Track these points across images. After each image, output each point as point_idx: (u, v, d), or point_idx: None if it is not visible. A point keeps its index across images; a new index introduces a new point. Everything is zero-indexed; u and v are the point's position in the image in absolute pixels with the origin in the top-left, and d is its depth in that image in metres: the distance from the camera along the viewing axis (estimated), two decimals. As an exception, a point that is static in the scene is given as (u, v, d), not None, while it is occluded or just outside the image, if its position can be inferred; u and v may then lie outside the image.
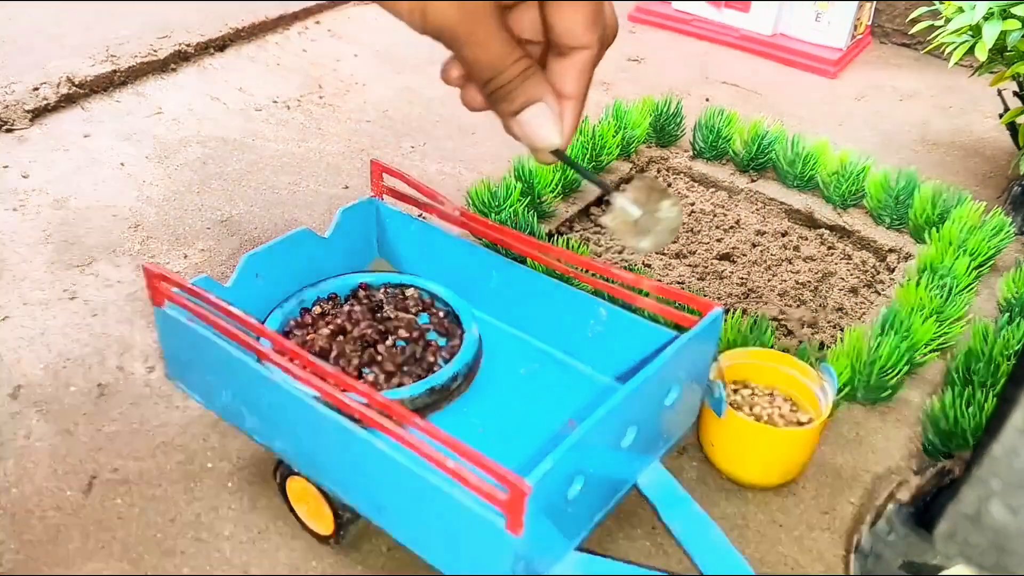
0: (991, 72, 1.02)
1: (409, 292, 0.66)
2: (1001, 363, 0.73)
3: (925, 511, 0.58)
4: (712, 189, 1.06)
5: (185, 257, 0.89)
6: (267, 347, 0.51)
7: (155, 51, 1.25)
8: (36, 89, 1.13)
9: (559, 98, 0.41)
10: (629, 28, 1.59)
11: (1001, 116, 1.03)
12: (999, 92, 1.03)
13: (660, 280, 0.89)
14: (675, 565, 0.60)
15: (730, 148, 1.07)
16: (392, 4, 0.37)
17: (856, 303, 0.88)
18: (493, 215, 0.90)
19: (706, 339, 0.55)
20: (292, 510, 0.61)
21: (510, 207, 0.90)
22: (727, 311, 0.82)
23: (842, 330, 0.81)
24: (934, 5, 1.05)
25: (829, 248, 0.97)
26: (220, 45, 1.32)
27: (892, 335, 0.74)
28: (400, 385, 0.58)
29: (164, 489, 0.64)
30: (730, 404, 0.63)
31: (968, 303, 0.82)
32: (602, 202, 1.02)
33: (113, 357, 0.75)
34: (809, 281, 0.90)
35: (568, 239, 0.91)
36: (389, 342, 0.61)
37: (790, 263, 0.93)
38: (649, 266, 0.91)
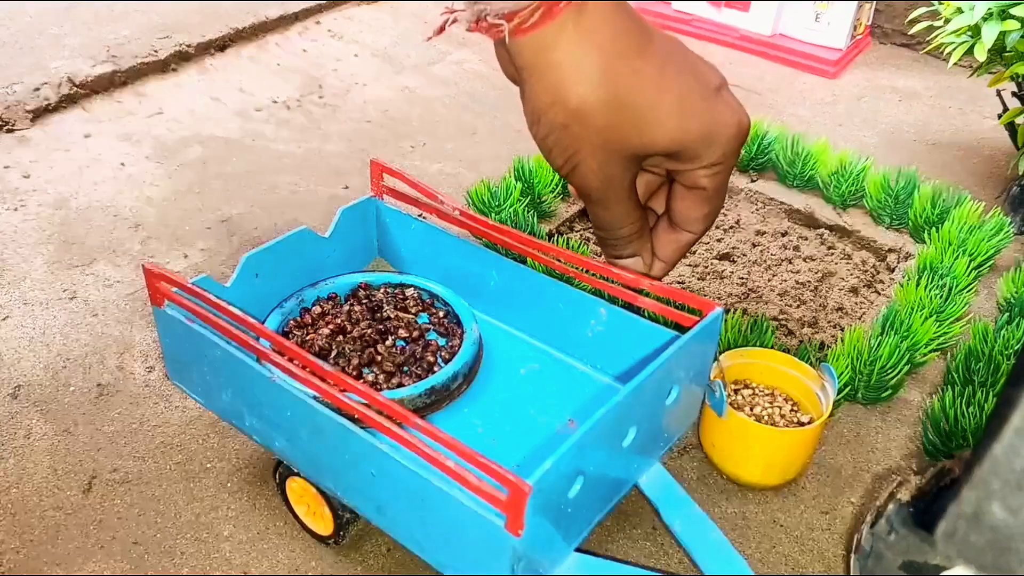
0: (990, 72, 1.02)
1: (409, 292, 0.66)
2: (1001, 363, 0.73)
3: (925, 511, 0.58)
4: (712, 189, 1.06)
5: (185, 257, 0.89)
6: (267, 347, 0.51)
7: (156, 51, 1.25)
8: (37, 89, 1.13)
9: (654, 257, 0.51)
10: (629, 28, 1.59)
11: (1000, 116, 1.03)
12: (998, 92, 1.03)
13: (660, 280, 0.89)
14: (675, 565, 0.60)
15: (730, 148, 1.07)
16: (549, 150, 0.43)
17: (856, 303, 0.88)
18: (493, 215, 0.90)
19: (706, 339, 0.55)
20: (292, 510, 0.61)
21: (510, 207, 0.90)
22: (727, 311, 0.82)
23: (842, 330, 0.81)
24: (933, 6, 1.05)
25: (829, 248, 0.97)
26: (221, 45, 1.32)
27: (892, 335, 0.74)
28: (400, 385, 0.58)
29: (164, 489, 0.64)
30: (730, 404, 0.63)
31: (968, 303, 0.82)
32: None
33: (113, 357, 0.75)
34: (809, 281, 0.90)
35: (568, 239, 0.91)
36: (389, 342, 0.61)
37: (790, 263, 0.93)
38: (649, 266, 0.91)
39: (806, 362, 0.67)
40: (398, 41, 1.40)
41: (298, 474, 0.56)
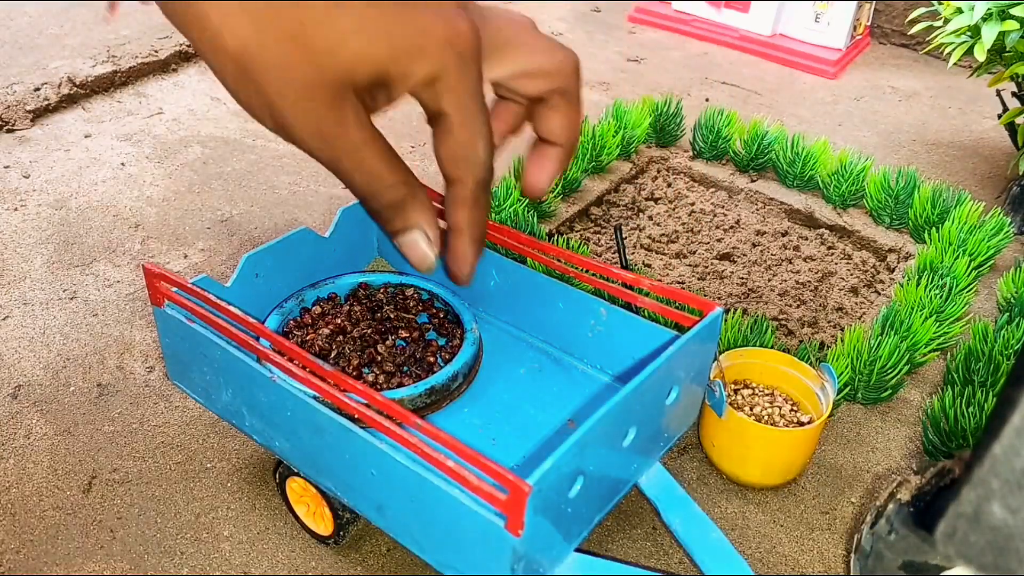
0: (990, 73, 1.02)
1: (409, 292, 0.66)
2: (1001, 363, 0.73)
3: (925, 511, 0.58)
4: (712, 189, 1.06)
5: (185, 257, 0.89)
6: (267, 347, 0.51)
7: (156, 51, 1.25)
8: (37, 89, 1.13)
9: (455, 232, 0.40)
10: (629, 28, 1.59)
11: (1000, 116, 1.03)
12: (998, 92, 1.04)
13: (660, 280, 0.89)
14: (675, 565, 0.60)
15: (730, 148, 1.07)
16: (251, 111, 0.35)
17: (856, 303, 0.88)
18: (493, 215, 0.90)
19: (706, 339, 0.55)
20: (292, 511, 0.61)
21: (510, 207, 0.90)
22: (727, 311, 0.82)
23: (842, 330, 0.81)
24: (933, 6, 1.05)
25: (829, 248, 0.97)
26: (220, 45, 1.32)
27: (892, 335, 0.74)
28: (400, 385, 0.58)
29: (163, 489, 0.64)
30: (730, 404, 0.63)
31: (968, 303, 0.82)
32: (602, 203, 1.02)
33: (113, 357, 0.75)
34: (809, 281, 0.90)
35: (568, 239, 0.91)
36: (389, 342, 0.61)
37: (790, 263, 0.93)
38: (649, 266, 0.92)
39: (806, 362, 0.67)
40: (398, 41, 1.40)
41: (298, 474, 0.56)
